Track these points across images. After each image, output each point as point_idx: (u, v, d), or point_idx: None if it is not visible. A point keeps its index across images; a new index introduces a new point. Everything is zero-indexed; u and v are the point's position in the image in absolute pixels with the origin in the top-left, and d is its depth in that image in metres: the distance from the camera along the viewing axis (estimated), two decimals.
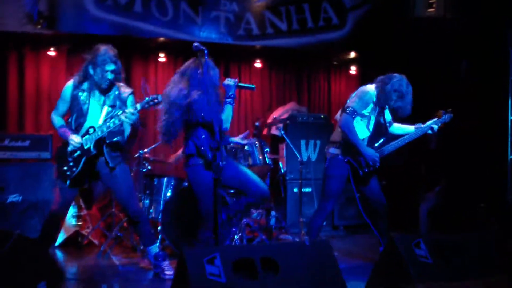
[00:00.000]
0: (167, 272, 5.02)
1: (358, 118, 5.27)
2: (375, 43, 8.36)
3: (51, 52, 7.96)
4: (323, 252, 3.88)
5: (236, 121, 9.04)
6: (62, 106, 4.96)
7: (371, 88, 5.36)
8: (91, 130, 4.80)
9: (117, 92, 4.97)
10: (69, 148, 4.80)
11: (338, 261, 3.87)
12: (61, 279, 4.27)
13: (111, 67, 4.81)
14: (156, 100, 4.73)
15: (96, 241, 6.66)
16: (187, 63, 4.86)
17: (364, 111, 5.26)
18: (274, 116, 8.40)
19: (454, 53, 7.88)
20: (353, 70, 9.49)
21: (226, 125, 4.72)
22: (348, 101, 5.35)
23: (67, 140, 4.81)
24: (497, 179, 7.41)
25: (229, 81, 4.88)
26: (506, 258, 4.30)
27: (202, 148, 4.64)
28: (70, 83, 4.94)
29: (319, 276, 3.74)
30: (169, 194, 6.35)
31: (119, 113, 4.72)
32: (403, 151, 5.62)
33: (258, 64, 9.04)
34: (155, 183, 6.51)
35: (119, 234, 6.50)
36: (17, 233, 3.99)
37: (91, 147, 4.79)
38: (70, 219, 6.56)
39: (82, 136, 4.80)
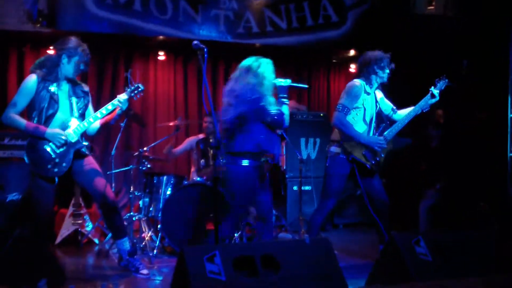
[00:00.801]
0: (143, 272, 5.00)
1: (353, 112, 5.28)
2: (375, 41, 8.34)
3: (51, 51, 7.93)
4: (323, 250, 3.88)
5: None
6: (24, 101, 4.73)
7: (356, 81, 5.39)
8: (72, 123, 4.77)
9: (77, 84, 4.99)
10: (57, 143, 4.69)
11: (338, 259, 3.87)
12: (61, 277, 4.26)
13: (86, 58, 4.87)
14: (139, 89, 4.92)
15: (95, 240, 6.66)
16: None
17: (356, 104, 5.27)
18: None
19: (454, 52, 7.88)
20: (352, 68, 9.48)
21: (287, 124, 4.84)
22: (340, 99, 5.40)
23: (42, 136, 4.66)
24: (498, 177, 7.41)
25: (282, 81, 4.89)
26: (506, 256, 4.30)
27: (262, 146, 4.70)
28: (34, 77, 4.75)
29: (319, 274, 3.74)
30: (168, 192, 6.35)
31: (116, 100, 4.85)
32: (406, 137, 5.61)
33: None
34: (155, 181, 6.51)
35: None
36: (17, 232, 3.99)
37: (80, 139, 4.81)
38: (70, 218, 6.56)
39: (61, 129, 4.74)
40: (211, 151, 6.20)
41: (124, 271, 5.15)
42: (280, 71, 9.31)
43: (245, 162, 4.71)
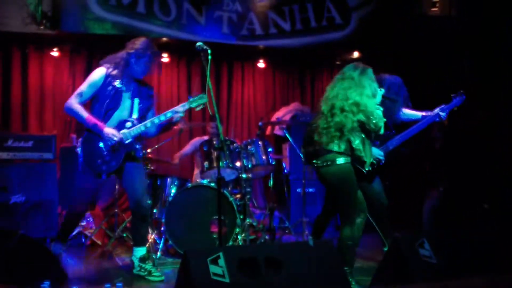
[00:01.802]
0: (155, 274, 4.95)
1: None
2: (379, 42, 8.34)
3: (55, 52, 7.96)
4: (327, 252, 3.87)
5: (239, 121, 9.04)
6: (89, 92, 4.83)
7: None
8: (129, 124, 4.80)
9: (144, 86, 5.04)
10: (109, 143, 4.74)
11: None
12: (64, 279, 4.26)
13: (154, 61, 4.93)
14: (203, 99, 4.87)
15: (99, 242, 6.66)
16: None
17: None
18: (277, 116, 8.38)
19: (456, 52, 7.86)
20: None
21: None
22: None
23: (99, 134, 4.74)
24: (501, 178, 7.39)
25: None
26: (510, 257, 4.29)
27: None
28: (103, 70, 4.86)
29: (323, 275, 3.73)
30: (172, 194, 6.34)
31: (170, 112, 4.87)
32: (409, 145, 5.60)
33: (261, 64, 9.03)
34: (159, 183, 6.50)
35: (122, 234, 6.50)
36: (20, 233, 3.99)
37: (134, 143, 4.81)
38: None
39: (117, 129, 4.77)
40: (215, 153, 6.19)
41: (128, 273, 5.15)
42: (283, 73, 9.39)
43: None
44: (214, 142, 6.27)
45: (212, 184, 6.00)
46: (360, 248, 4.99)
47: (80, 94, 4.82)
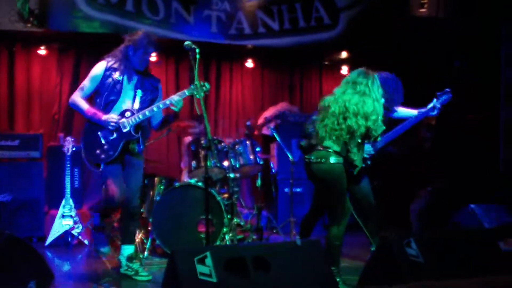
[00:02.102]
0: (142, 274, 4.93)
1: None
2: (367, 43, 8.36)
3: (42, 51, 7.91)
4: (314, 252, 3.88)
5: (227, 120, 9.03)
6: (91, 86, 4.91)
7: None
8: (128, 114, 4.79)
9: (148, 78, 5.03)
10: (110, 128, 4.75)
11: None
12: (51, 279, 4.23)
13: (152, 50, 4.95)
14: (204, 88, 4.82)
15: (86, 241, 6.62)
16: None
17: None
18: (266, 116, 8.38)
19: (446, 53, 7.90)
20: (344, 70, 9.48)
21: None
22: None
23: (98, 122, 4.77)
24: (489, 179, 7.43)
25: None
26: (497, 256, 4.31)
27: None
28: (103, 63, 4.92)
29: (311, 275, 3.73)
30: (160, 193, 6.32)
31: (169, 100, 4.83)
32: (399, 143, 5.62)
33: (249, 64, 9.02)
34: (146, 182, 6.48)
35: (110, 234, 6.48)
36: (7, 233, 3.96)
37: (132, 131, 4.78)
38: (60, 219, 6.52)
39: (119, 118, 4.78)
40: (202, 152, 6.18)
41: (116, 272, 5.13)
42: (271, 73, 9.39)
43: None
44: (202, 142, 6.26)
45: (200, 184, 5.99)
46: (346, 248, 5.01)
47: (82, 88, 4.92)
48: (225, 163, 6.36)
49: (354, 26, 8.41)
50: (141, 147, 4.96)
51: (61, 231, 6.51)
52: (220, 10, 7.83)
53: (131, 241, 5.09)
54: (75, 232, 6.57)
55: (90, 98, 4.97)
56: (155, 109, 4.84)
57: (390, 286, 3.78)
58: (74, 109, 5.03)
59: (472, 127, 7.49)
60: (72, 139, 6.69)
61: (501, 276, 3.92)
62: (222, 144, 6.40)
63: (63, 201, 6.56)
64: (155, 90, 5.05)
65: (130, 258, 5.01)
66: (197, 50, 4.44)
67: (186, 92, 4.82)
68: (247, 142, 6.45)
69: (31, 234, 6.66)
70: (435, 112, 5.50)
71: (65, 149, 6.61)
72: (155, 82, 5.11)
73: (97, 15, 7.27)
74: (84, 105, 4.85)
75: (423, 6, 7.58)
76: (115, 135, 4.77)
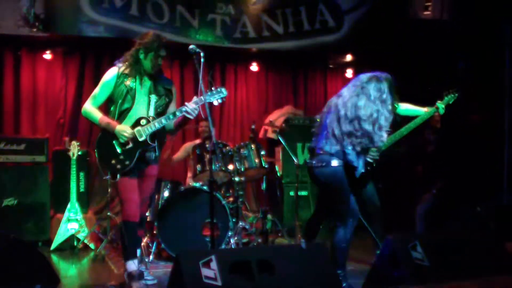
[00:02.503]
0: (147, 278, 4.86)
1: None
2: (371, 46, 8.35)
3: (47, 55, 7.94)
4: (320, 255, 3.87)
5: (232, 124, 9.04)
6: (103, 94, 4.71)
7: None
8: (144, 122, 4.60)
9: (161, 81, 4.87)
10: (121, 140, 4.58)
11: None
12: (56, 282, 4.24)
13: (164, 52, 4.74)
14: (221, 94, 4.72)
15: (91, 245, 6.63)
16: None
17: None
18: (271, 119, 8.37)
19: (450, 54, 7.89)
20: (349, 73, 9.48)
21: None
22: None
23: (112, 132, 4.58)
24: (494, 180, 7.41)
25: None
26: (504, 258, 4.30)
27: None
28: (115, 70, 4.73)
29: (316, 278, 3.73)
30: (165, 197, 6.32)
31: (185, 107, 4.60)
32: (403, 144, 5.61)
33: (254, 67, 9.03)
34: None
35: (114, 237, 6.48)
36: (12, 237, 3.97)
37: (148, 140, 4.61)
38: (65, 223, 6.54)
39: (132, 127, 4.60)
40: (207, 156, 6.19)
41: (120, 277, 5.13)
42: (276, 76, 9.39)
43: None
44: (207, 145, 6.26)
45: (205, 187, 5.99)
46: (352, 251, 4.99)
47: (94, 97, 4.73)
48: (230, 167, 6.35)
49: (358, 28, 8.41)
50: (157, 153, 4.81)
51: (67, 235, 6.53)
52: (225, 14, 7.84)
53: (139, 244, 4.99)
54: (80, 236, 6.58)
55: (104, 105, 4.80)
56: (171, 116, 4.64)
57: None
58: (86, 118, 4.81)
59: (476, 127, 7.47)
60: (78, 143, 6.70)
61: (505, 276, 3.91)
62: (227, 147, 6.39)
63: (69, 205, 6.58)
64: (169, 94, 4.88)
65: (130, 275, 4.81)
66: (202, 54, 4.43)
67: (203, 98, 4.59)
68: (252, 146, 6.45)
69: (36, 238, 6.67)
70: (440, 112, 5.50)
71: (71, 153, 6.62)
72: (168, 84, 4.94)
73: (102, 19, 7.28)
74: (97, 114, 4.67)
75: (427, 8, 7.57)
76: (131, 144, 4.58)
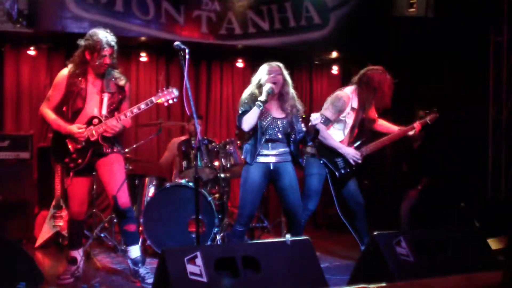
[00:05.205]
0: (148, 281, 4.76)
1: (335, 124, 5.36)
2: (357, 43, 8.38)
3: (31, 51, 7.87)
4: (305, 251, 3.88)
5: (218, 121, 9.03)
6: (56, 96, 4.78)
7: (345, 93, 5.42)
8: (96, 121, 4.67)
9: (113, 79, 4.87)
10: (73, 141, 4.66)
11: (320, 259, 3.87)
12: (41, 280, 4.22)
13: (108, 51, 4.71)
14: (172, 95, 4.76)
15: None
16: None
17: (340, 116, 5.34)
18: None
19: (435, 53, 7.93)
20: (335, 70, 9.49)
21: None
22: (323, 106, 5.45)
23: (66, 133, 4.67)
24: (478, 177, 7.47)
25: None
26: (488, 254, 4.34)
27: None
28: (65, 71, 4.78)
29: (301, 274, 3.74)
30: (150, 193, 6.31)
31: (136, 108, 4.71)
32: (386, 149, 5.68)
33: (240, 64, 9.01)
34: (137, 182, 6.47)
35: (100, 234, 6.46)
36: None
37: (100, 139, 4.69)
38: (50, 220, 6.50)
39: (86, 127, 4.66)
40: (193, 153, 6.18)
41: (106, 274, 5.12)
42: None
43: None
44: (192, 142, 6.26)
45: (190, 184, 5.99)
46: (337, 247, 5.02)
47: (48, 99, 4.83)
48: (216, 163, 6.36)
49: (343, 25, 8.43)
50: (118, 148, 4.88)
51: (52, 232, 6.49)
52: (210, 10, 7.82)
53: (131, 241, 4.93)
54: (65, 233, 6.54)
55: (59, 107, 4.86)
56: (122, 117, 4.71)
57: (380, 285, 3.79)
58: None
59: (461, 126, 7.52)
60: None
61: (488, 272, 3.94)
62: (213, 144, 6.39)
63: (54, 202, 6.54)
64: (121, 91, 4.89)
65: (135, 263, 4.89)
66: (187, 50, 4.42)
67: (153, 99, 4.72)
68: (238, 142, 6.45)
69: (21, 236, 6.63)
70: (412, 133, 5.59)
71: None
72: (120, 81, 4.91)
73: (86, 15, 7.23)
74: (50, 116, 4.76)
75: (412, 6, 7.60)
76: (83, 143, 4.67)
